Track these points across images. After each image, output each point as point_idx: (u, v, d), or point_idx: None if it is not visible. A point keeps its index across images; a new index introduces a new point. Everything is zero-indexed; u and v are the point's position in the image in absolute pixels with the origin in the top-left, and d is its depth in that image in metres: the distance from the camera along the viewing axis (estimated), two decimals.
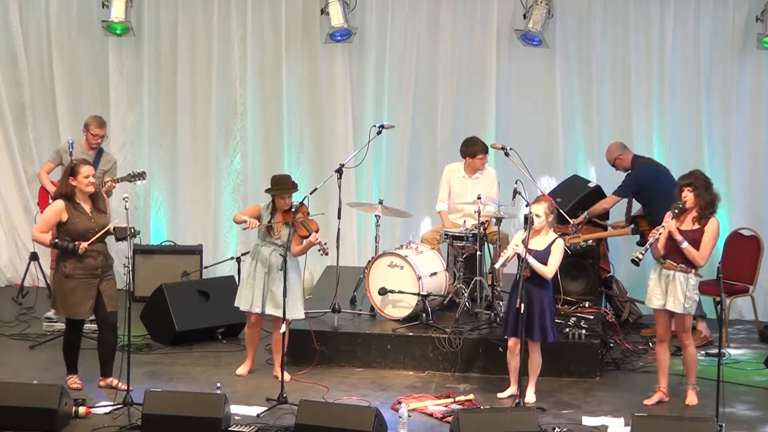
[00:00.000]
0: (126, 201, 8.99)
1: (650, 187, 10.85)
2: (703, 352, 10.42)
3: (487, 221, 10.68)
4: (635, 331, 11.27)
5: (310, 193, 10.16)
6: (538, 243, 9.21)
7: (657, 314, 9.31)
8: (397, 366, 10.17)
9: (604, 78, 12.16)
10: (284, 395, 9.07)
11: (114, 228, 9.17)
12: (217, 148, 12.65)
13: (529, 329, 9.11)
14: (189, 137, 12.68)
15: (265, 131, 12.67)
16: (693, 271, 9.13)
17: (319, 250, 9.51)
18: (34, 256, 11.93)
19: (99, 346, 9.45)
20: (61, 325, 10.32)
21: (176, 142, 12.68)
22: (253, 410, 9.02)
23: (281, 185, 9.64)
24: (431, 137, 12.48)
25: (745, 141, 12.00)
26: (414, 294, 10.37)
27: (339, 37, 12.16)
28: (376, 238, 10.97)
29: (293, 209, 9.54)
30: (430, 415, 9.09)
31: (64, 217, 9.15)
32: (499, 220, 10.49)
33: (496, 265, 9.60)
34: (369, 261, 10.83)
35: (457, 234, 10.71)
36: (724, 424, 8.47)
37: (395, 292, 10.44)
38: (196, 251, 12.19)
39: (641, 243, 10.92)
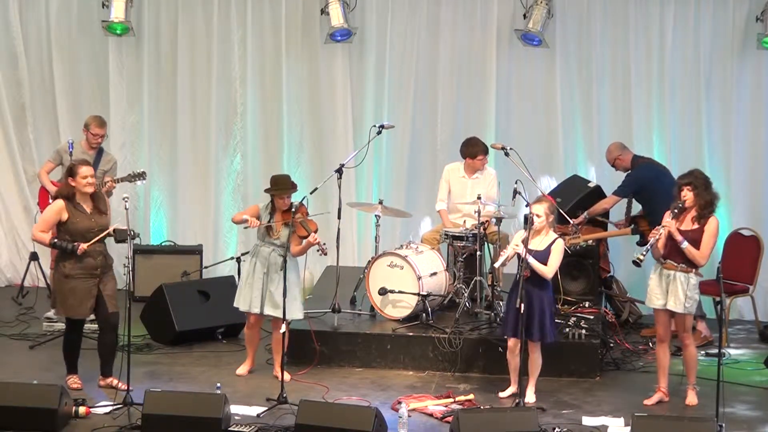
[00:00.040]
0: (126, 201, 9.00)
1: (650, 188, 10.84)
2: (703, 352, 10.42)
3: (487, 221, 10.68)
4: (635, 331, 11.27)
5: (310, 193, 10.17)
6: (538, 243, 9.21)
7: (657, 314, 9.31)
8: (397, 366, 10.17)
9: (604, 78, 12.16)
10: (284, 395, 9.07)
11: (114, 230, 9.17)
12: (217, 148, 12.65)
13: (528, 329, 9.11)
14: (189, 137, 12.68)
15: (265, 131, 12.67)
16: (694, 270, 9.13)
17: (317, 251, 9.51)
18: (34, 256, 11.93)
19: (99, 346, 9.45)
20: (61, 325, 10.32)
21: (176, 142, 12.67)
22: (253, 410, 9.02)
23: (280, 185, 9.64)
24: (431, 137, 12.48)
25: (745, 141, 12.00)
26: (414, 294, 10.37)
27: (339, 37, 12.15)
28: (376, 238, 10.97)
29: (293, 209, 9.53)
30: (430, 415, 9.09)
31: (64, 216, 9.16)
32: (499, 220, 10.49)
33: (496, 264, 9.60)
34: (369, 261, 10.83)
35: (457, 234, 10.71)
36: (724, 424, 8.47)
37: (395, 292, 10.44)
38: (196, 251, 12.19)
39: (641, 243, 10.93)
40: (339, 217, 10.49)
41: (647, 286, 9.34)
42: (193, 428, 8.44)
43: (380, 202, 11.04)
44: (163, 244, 12.51)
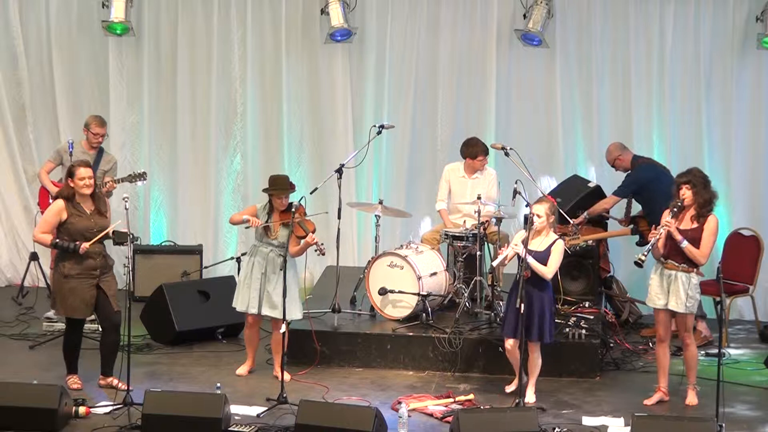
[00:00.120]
0: (126, 201, 9.00)
1: (650, 188, 10.84)
2: (703, 352, 10.41)
3: (487, 221, 10.68)
4: (635, 331, 11.27)
5: (311, 193, 10.17)
6: (538, 244, 9.20)
7: (657, 314, 9.30)
8: (397, 366, 10.17)
9: (604, 78, 12.16)
10: (284, 395, 9.07)
11: (113, 231, 9.17)
12: (217, 148, 12.65)
13: (527, 330, 9.10)
14: (189, 137, 12.67)
15: (265, 131, 12.67)
16: (695, 270, 9.13)
17: (315, 251, 9.50)
18: (34, 256, 11.93)
19: (101, 346, 9.45)
20: (61, 325, 10.32)
21: (176, 142, 12.67)
22: (253, 410, 9.02)
23: (278, 185, 9.64)
24: (431, 137, 12.47)
25: (745, 141, 12.00)
26: (414, 294, 10.37)
27: (339, 37, 12.15)
28: (376, 238, 10.97)
29: (293, 209, 9.52)
30: (430, 415, 9.09)
31: (64, 216, 9.17)
32: (499, 220, 10.49)
33: (494, 264, 9.60)
34: (369, 261, 10.83)
35: (457, 234, 10.71)
36: (724, 424, 8.48)
37: (395, 292, 10.44)
38: (196, 251, 12.19)
39: (640, 243, 10.94)
40: (339, 217, 10.49)
41: (647, 286, 9.34)
42: (193, 428, 8.44)
43: (380, 202, 11.04)
44: (163, 244, 12.52)
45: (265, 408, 9.02)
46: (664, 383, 9.39)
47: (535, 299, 9.12)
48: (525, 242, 9.07)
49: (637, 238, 11.11)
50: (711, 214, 9.15)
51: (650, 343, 10.63)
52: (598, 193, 11.35)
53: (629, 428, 8.32)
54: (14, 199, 12.82)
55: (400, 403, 8.97)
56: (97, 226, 9.17)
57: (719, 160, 11.99)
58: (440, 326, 10.26)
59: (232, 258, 11.84)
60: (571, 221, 10.79)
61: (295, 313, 9.67)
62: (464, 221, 11.02)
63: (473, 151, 11.05)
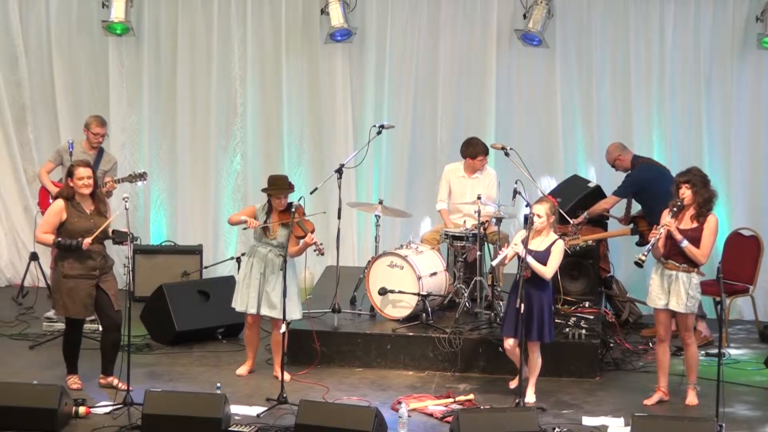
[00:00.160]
0: (126, 201, 9.00)
1: (650, 188, 10.84)
2: (703, 352, 10.40)
3: (487, 221, 10.68)
4: (635, 331, 11.27)
5: (311, 193, 10.17)
6: (538, 244, 9.20)
7: (658, 314, 9.30)
8: (397, 366, 10.17)
9: (604, 78, 12.16)
10: (284, 395, 9.07)
11: (113, 231, 9.17)
12: (217, 148, 12.65)
13: (527, 330, 9.10)
14: (189, 137, 12.67)
15: (265, 131, 12.67)
16: (695, 270, 9.13)
17: (314, 250, 9.50)
18: (34, 256, 11.93)
19: (102, 345, 9.44)
20: (61, 325, 10.32)
21: (176, 142, 12.67)
22: (253, 410, 9.02)
23: (278, 185, 9.64)
24: (431, 137, 12.47)
25: (745, 141, 12.00)
26: (414, 294, 10.37)
27: (339, 37, 12.15)
28: (376, 238, 10.97)
29: (292, 209, 9.52)
30: (430, 415, 9.09)
31: (64, 216, 9.17)
32: (499, 220, 10.49)
33: (493, 263, 9.61)
34: (369, 261, 10.83)
35: (457, 234, 10.71)
36: (724, 424, 8.47)
37: (395, 292, 10.44)
38: (196, 251, 12.19)
39: (640, 243, 10.93)
40: (339, 217, 10.49)
41: (647, 286, 9.34)
42: (193, 428, 8.44)
43: (380, 202, 11.04)
44: (163, 244, 12.51)
45: (265, 408, 9.02)
46: (664, 383, 9.39)
47: (534, 299, 9.12)
48: (525, 242, 9.07)
49: (637, 238, 11.11)
50: (711, 214, 9.15)
51: (650, 343, 10.63)
52: (598, 193, 11.35)
53: (629, 428, 8.32)
54: (14, 199, 12.82)
55: (400, 403, 8.97)
56: (97, 226, 9.17)
57: (719, 160, 11.99)
58: (440, 326, 10.26)
59: (232, 258, 11.85)
60: (571, 221, 10.79)
61: (294, 312, 9.66)
62: (464, 221, 11.02)
63: (473, 151, 11.05)
